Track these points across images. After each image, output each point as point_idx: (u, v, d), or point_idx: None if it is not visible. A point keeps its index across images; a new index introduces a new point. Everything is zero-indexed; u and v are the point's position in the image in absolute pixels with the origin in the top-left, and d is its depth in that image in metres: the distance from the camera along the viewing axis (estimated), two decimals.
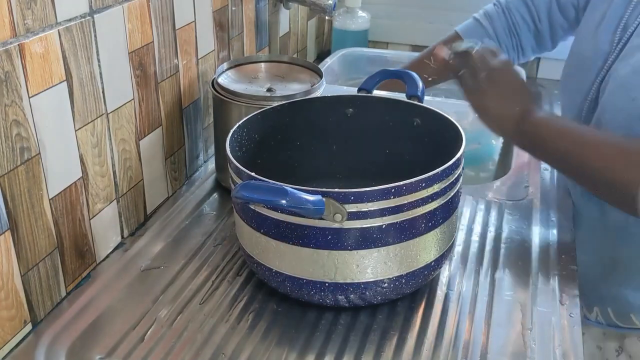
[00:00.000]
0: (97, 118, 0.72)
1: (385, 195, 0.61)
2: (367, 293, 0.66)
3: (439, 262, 0.69)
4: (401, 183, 0.61)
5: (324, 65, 1.24)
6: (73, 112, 0.68)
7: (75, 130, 0.69)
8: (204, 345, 0.65)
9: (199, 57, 0.94)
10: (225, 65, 0.93)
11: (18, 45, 0.58)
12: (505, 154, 1.09)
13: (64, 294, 0.71)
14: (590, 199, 0.88)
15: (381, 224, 0.62)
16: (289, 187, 0.58)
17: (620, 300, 0.89)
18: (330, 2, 1.14)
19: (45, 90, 0.63)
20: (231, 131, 0.73)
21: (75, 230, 0.71)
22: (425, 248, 0.67)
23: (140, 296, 0.71)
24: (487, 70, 0.79)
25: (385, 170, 0.78)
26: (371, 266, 0.64)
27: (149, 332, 0.66)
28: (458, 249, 0.81)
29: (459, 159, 0.67)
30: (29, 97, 0.61)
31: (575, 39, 0.94)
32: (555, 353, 0.65)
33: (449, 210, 0.68)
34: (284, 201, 0.57)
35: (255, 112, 0.78)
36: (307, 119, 0.82)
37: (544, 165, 1.01)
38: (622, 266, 0.89)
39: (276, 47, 1.23)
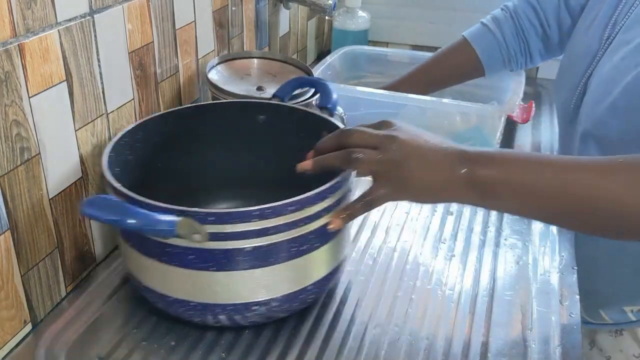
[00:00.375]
0: (97, 118, 0.72)
1: (247, 217, 0.58)
2: (237, 316, 0.63)
3: (319, 284, 0.66)
4: (266, 206, 0.58)
5: (325, 63, 1.24)
6: (73, 112, 0.68)
7: (75, 130, 0.69)
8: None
9: (199, 57, 0.94)
10: (216, 60, 0.93)
11: (18, 45, 0.58)
12: None
13: (64, 294, 0.71)
14: None
15: (245, 246, 0.59)
16: (136, 208, 0.55)
17: (590, 295, 0.89)
18: (330, 2, 1.14)
19: (45, 90, 0.63)
20: (119, 134, 0.70)
21: (75, 230, 0.71)
22: (296, 272, 0.63)
23: (141, 296, 0.71)
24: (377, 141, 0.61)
25: (294, 181, 0.74)
26: (235, 289, 0.61)
27: (149, 332, 0.66)
28: (458, 249, 0.81)
29: (325, 191, 0.61)
30: (29, 97, 0.61)
31: (570, 38, 0.95)
32: (555, 353, 0.65)
33: (321, 237, 0.63)
34: (133, 221, 0.54)
35: (155, 115, 0.76)
36: (216, 123, 0.79)
37: None
38: (593, 262, 0.88)
39: (276, 47, 1.23)
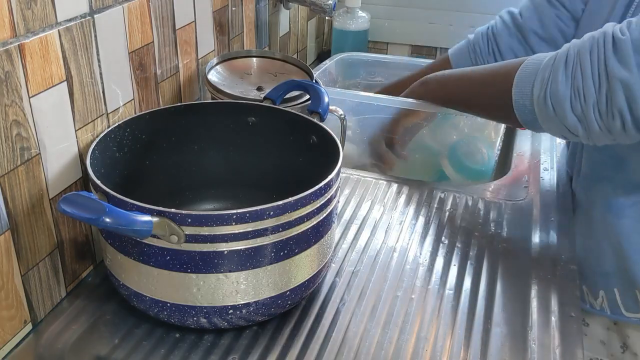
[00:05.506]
0: (97, 118, 0.72)
1: (226, 220, 0.57)
2: (215, 318, 0.63)
3: (298, 290, 0.66)
4: (245, 210, 0.57)
5: (322, 67, 1.24)
6: (73, 112, 0.68)
7: (75, 130, 0.69)
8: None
9: (199, 57, 0.94)
10: (215, 60, 0.92)
11: (18, 45, 0.58)
12: (505, 155, 1.10)
13: (64, 294, 0.71)
14: (589, 179, 0.90)
15: (223, 249, 0.59)
16: (113, 207, 0.54)
17: (625, 277, 0.88)
18: (330, 2, 1.14)
19: (45, 90, 0.63)
20: (105, 131, 0.70)
21: (75, 230, 0.71)
22: (274, 277, 0.63)
23: None
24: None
25: (281, 183, 0.75)
26: (211, 292, 0.61)
27: (149, 332, 0.66)
28: (458, 248, 0.81)
29: (305, 197, 0.61)
30: (29, 97, 0.61)
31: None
32: (556, 353, 0.65)
33: (301, 243, 0.63)
34: (108, 219, 0.53)
35: (143, 112, 0.76)
36: (205, 123, 0.79)
37: (543, 165, 1.02)
38: (623, 241, 0.87)
39: (276, 47, 1.23)
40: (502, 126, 1.06)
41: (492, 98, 0.84)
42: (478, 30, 1.07)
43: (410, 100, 1.01)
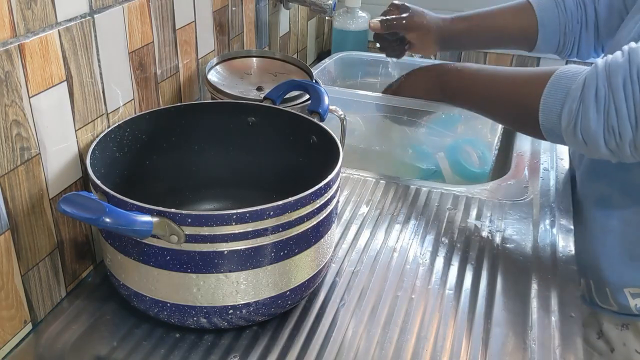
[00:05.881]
0: (97, 118, 0.72)
1: (226, 220, 0.57)
2: (214, 318, 0.63)
3: (298, 290, 0.66)
4: (245, 210, 0.57)
5: (321, 66, 1.24)
6: (73, 112, 0.68)
7: (75, 130, 0.69)
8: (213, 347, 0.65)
9: (199, 57, 0.94)
10: (215, 60, 0.92)
11: (18, 45, 0.58)
12: (505, 154, 1.10)
13: (64, 294, 0.71)
14: (589, 176, 0.91)
15: (223, 249, 0.59)
16: (113, 207, 0.54)
17: (599, 274, 0.90)
18: (330, 2, 1.14)
19: (45, 90, 0.63)
20: (105, 131, 0.70)
21: (75, 230, 0.71)
22: (274, 277, 0.62)
23: None
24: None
25: (281, 183, 0.75)
26: (211, 292, 0.61)
27: (149, 332, 0.66)
28: (458, 248, 0.81)
29: (305, 197, 0.61)
30: (29, 97, 0.61)
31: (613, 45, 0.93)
32: (556, 353, 0.65)
33: (301, 243, 0.63)
34: (108, 220, 0.53)
35: (143, 112, 0.76)
36: (205, 123, 0.79)
37: (544, 165, 1.02)
38: (605, 239, 0.89)
39: (276, 47, 1.23)
40: (499, 127, 1.06)
41: (519, 115, 0.83)
42: None
43: (409, 99, 1.01)
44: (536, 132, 0.80)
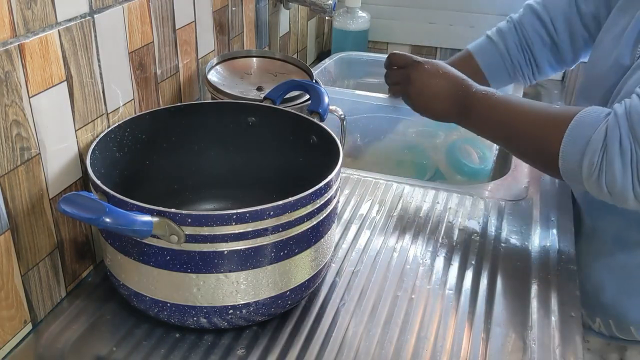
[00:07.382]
0: (97, 118, 0.72)
1: (226, 220, 0.57)
2: (214, 318, 0.63)
3: (297, 290, 0.66)
4: (245, 210, 0.57)
5: (321, 66, 1.24)
6: (73, 112, 0.68)
7: (75, 130, 0.69)
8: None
9: (199, 57, 0.94)
10: (215, 60, 0.92)
11: (18, 45, 0.58)
12: (505, 154, 1.10)
13: (64, 294, 0.71)
14: (600, 209, 0.89)
15: (223, 249, 0.59)
16: (113, 206, 0.54)
17: (621, 312, 0.89)
18: (330, 2, 1.14)
19: (45, 90, 0.63)
20: (105, 131, 0.70)
21: (75, 230, 0.71)
22: (274, 277, 0.63)
23: None
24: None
25: (281, 183, 0.75)
26: (211, 292, 0.61)
27: (149, 332, 0.66)
28: (458, 249, 0.81)
29: (305, 198, 0.61)
30: (29, 97, 0.61)
31: (593, 52, 0.93)
32: (556, 353, 0.65)
33: (300, 243, 0.63)
34: (108, 219, 0.53)
35: (143, 112, 0.76)
36: (205, 123, 0.79)
37: None
38: (626, 276, 0.88)
39: (276, 47, 1.23)
40: None
41: (539, 158, 0.81)
42: (498, 25, 1.05)
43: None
44: (558, 175, 0.78)
